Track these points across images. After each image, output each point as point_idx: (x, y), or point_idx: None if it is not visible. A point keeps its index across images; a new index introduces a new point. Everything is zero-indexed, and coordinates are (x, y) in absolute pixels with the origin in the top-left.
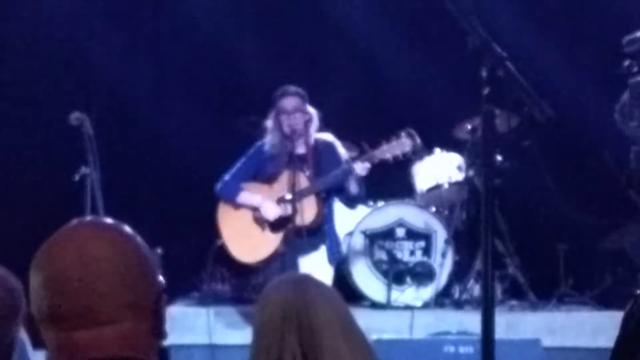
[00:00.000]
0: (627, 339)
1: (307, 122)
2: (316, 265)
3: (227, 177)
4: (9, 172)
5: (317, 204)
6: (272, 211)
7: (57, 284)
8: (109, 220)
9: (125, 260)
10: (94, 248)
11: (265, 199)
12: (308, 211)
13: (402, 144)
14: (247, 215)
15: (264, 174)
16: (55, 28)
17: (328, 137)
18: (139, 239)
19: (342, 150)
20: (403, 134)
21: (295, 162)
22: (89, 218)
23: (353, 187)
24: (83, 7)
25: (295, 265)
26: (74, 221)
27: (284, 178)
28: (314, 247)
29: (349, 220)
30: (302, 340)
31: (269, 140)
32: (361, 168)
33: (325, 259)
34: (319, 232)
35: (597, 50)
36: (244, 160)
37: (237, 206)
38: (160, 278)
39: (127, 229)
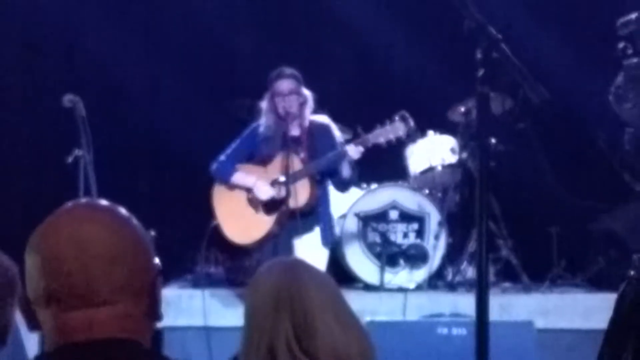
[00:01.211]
0: (620, 320)
1: (302, 105)
2: (310, 247)
3: (222, 157)
4: (2, 154)
5: (311, 187)
6: (265, 192)
7: (52, 266)
8: (104, 202)
9: (121, 242)
10: (89, 230)
11: (258, 180)
12: (301, 193)
13: (395, 129)
14: (241, 196)
15: (259, 156)
16: (48, 10)
17: (324, 119)
18: (134, 220)
19: (337, 133)
20: (397, 118)
21: (289, 144)
22: (84, 200)
23: (345, 171)
24: None
25: (288, 248)
26: (69, 203)
27: (278, 160)
28: (307, 229)
29: (342, 203)
30: (294, 324)
31: (263, 122)
32: (354, 152)
33: (320, 241)
34: (313, 215)
35: (592, 33)
36: (239, 142)
37: (232, 187)
38: (156, 260)
39: (123, 210)
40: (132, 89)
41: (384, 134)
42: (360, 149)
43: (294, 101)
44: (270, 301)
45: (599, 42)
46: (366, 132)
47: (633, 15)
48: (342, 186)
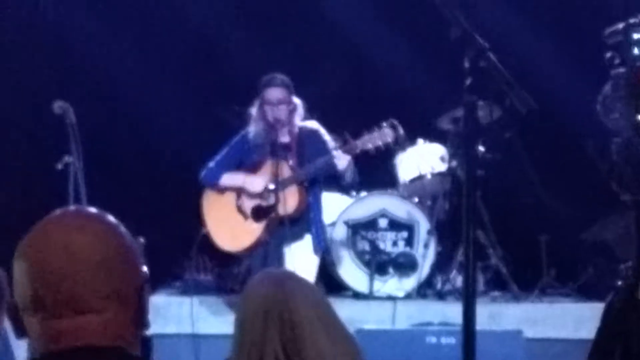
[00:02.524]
0: (607, 329)
1: (292, 112)
2: (301, 254)
3: (211, 164)
4: None
5: (299, 193)
6: (257, 183)
7: (40, 273)
8: (92, 210)
9: (109, 249)
10: (77, 237)
11: (247, 176)
12: (290, 200)
13: (383, 135)
14: (230, 203)
15: (248, 163)
16: (38, 16)
17: (313, 124)
18: (122, 228)
19: (327, 138)
20: (385, 124)
21: (278, 151)
22: (72, 207)
23: (348, 176)
24: None
25: (278, 255)
26: (58, 210)
27: (267, 167)
28: (298, 236)
29: (332, 211)
30: (283, 336)
31: (252, 129)
32: (342, 158)
33: (311, 248)
34: (303, 221)
35: (580, 42)
36: (228, 148)
37: (221, 193)
38: (144, 268)
39: (111, 218)
40: (122, 95)
41: (371, 141)
42: (347, 155)
43: (283, 110)
44: (260, 314)
45: (586, 51)
46: (354, 139)
47: (620, 25)
48: (346, 190)
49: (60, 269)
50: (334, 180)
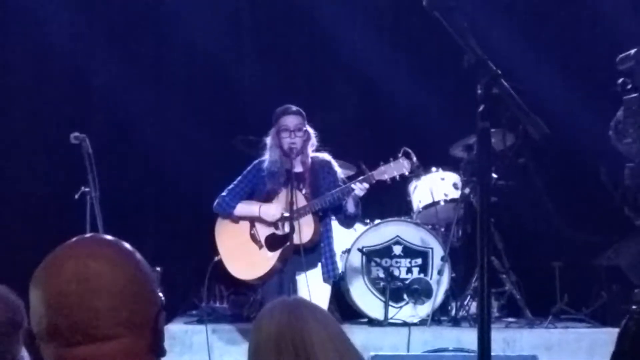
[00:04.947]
0: (622, 355)
1: (306, 142)
2: (313, 282)
3: (225, 193)
4: (10, 190)
5: (314, 223)
6: (272, 213)
7: (56, 300)
8: (108, 237)
9: (125, 276)
10: (93, 264)
11: (262, 205)
12: (305, 230)
13: (399, 166)
14: (244, 232)
15: (262, 192)
16: (56, 49)
17: (325, 156)
18: (138, 255)
19: (338, 169)
20: (401, 156)
21: (293, 180)
22: (87, 235)
23: (351, 207)
24: (84, 28)
25: (292, 283)
26: (74, 238)
27: (282, 196)
28: (311, 264)
29: (346, 238)
30: None
31: (268, 157)
32: (359, 189)
33: (321, 277)
34: (316, 250)
35: (592, 68)
36: (242, 178)
37: (234, 222)
38: (160, 295)
39: (127, 245)
40: (137, 125)
41: (388, 171)
42: (365, 185)
43: (299, 137)
44: (273, 342)
45: (599, 77)
46: (369, 168)
47: (632, 51)
48: (348, 222)
49: (76, 296)
50: (337, 213)
